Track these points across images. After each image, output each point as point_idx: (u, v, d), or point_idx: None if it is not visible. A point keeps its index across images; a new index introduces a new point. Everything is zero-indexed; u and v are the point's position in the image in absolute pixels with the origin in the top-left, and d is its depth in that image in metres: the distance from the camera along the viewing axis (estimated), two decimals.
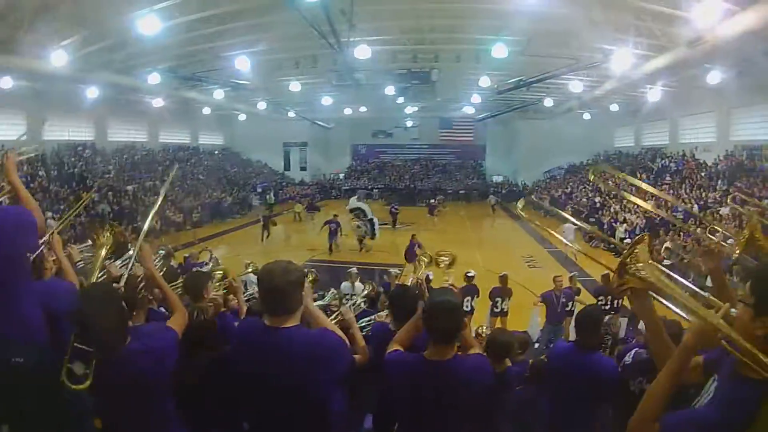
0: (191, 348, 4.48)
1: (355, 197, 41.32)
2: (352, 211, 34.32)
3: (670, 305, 3.15)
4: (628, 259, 3.19)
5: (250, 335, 4.22)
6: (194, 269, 12.31)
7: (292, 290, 3.97)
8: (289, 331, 3.98)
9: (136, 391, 3.89)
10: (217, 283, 7.66)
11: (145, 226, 5.22)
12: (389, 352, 4.44)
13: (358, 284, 16.01)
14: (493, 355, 6.11)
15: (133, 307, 4.63)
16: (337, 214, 32.53)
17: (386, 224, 39.52)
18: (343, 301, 12.84)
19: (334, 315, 5.91)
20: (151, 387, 3.97)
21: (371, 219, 33.27)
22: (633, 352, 6.25)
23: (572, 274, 18.76)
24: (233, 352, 4.35)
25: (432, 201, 48.83)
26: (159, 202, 5.99)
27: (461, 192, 62.77)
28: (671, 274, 3.24)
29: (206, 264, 17.29)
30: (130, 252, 5.28)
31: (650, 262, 3.17)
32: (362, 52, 27.73)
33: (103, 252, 5.20)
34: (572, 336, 7.75)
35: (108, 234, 5.31)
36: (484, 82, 36.45)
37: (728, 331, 2.62)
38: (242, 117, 58.10)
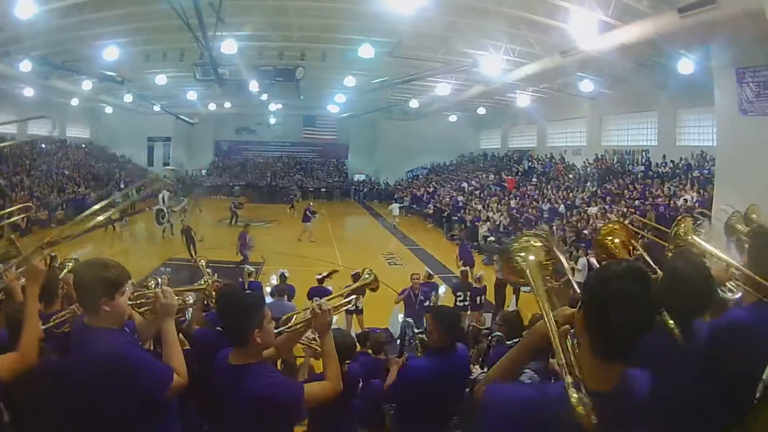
0: None
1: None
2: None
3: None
4: (515, 248, 3.34)
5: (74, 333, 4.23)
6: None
7: (93, 287, 3.90)
8: (90, 331, 3.95)
9: None
10: None
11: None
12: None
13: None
14: None
15: None
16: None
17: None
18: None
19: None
20: None
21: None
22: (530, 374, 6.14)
23: (427, 270, 19.06)
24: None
25: (292, 196, 50.52)
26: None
27: (323, 190, 62.69)
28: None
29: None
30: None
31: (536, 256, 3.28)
32: (229, 46, 27.68)
33: None
34: None
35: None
36: (350, 81, 36.94)
37: (555, 341, 2.71)
38: (109, 110, 57.07)
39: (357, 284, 5.82)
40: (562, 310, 2.86)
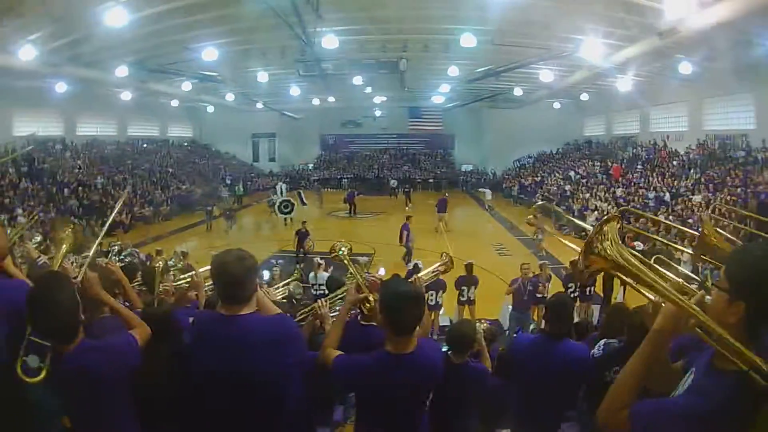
0: (151, 342, 4.35)
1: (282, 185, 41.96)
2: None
3: (641, 289, 3.03)
4: (595, 239, 3.06)
5: (208, 326, 4.21)
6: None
7: (247, 278, 3.98)
8: (246, 318, 3.98)
9: (88, 387, 3.83)
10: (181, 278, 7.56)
11: (93, 248, 5.15)
12: (336, 358, 4.35)
13: (321, 274, 15.90)
14: (452, 347, 6.09)
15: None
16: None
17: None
18: (312, 291, 12.70)
19: (308, 309, 5.81)
20: (104, 385, 3.89)
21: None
22: (602, 343, 5.99)
23: (542, 261, 18.60)
24: (193, 345, 4.26)
25: (406, 189, 49.26)
26: (117, 209, 5.98)
27: (430, 181, 62.31)
28: (641, 257, 3.16)
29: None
30: (89, 254, 5.15)
31: (618, 241, 3.05)
32: (329, 41, 27.79)
33: (63, 249, 5.09)
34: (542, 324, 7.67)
35: (68, 232, 5.20)
36: (453, 71, 36.62)
37: (703, 317, 2.53)
38: (210, 109, 58.28)
39: (430, 269, 6.21)
40: (692, 300, 2.69)
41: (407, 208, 42.53)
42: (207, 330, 4.17)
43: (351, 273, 5.99)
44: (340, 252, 6.31)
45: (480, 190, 52.50)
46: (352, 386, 4.57)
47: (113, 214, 5.27)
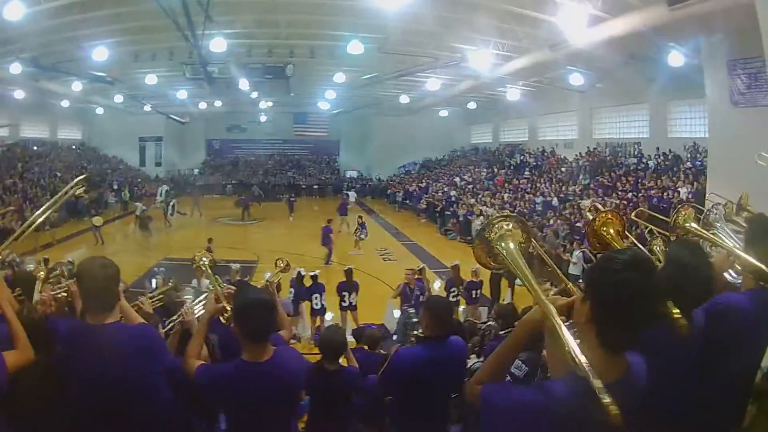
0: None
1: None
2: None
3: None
4: (488, 230, 3.30)
5: (75, 335, 4.23)
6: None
7: (112, 286, 4.09)
8: (110, 328, 4.05)
9: None
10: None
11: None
12: (197, 368, 4.36)
13: (204, 281, 15.83)
14: (324, 354, 6.32)
15: None
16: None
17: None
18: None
19: (176, 316, 5.76)
20: None
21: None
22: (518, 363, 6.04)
23: (421, 266, 18.62)
24: (63, 354, 4.24)
25: (291, 198, 48.34)
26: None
27: (315, 187, 62.77)
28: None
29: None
30: None
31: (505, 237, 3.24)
32: (218, 44, 27.69)
33: None
34: None
35: None
36: (339, 77, 36.99)
37: (552, 322, 2.67)
38: (100, 111, 56.96)
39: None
40: (554, 300, 2.86)
41: (290, 218, 42.63)
42: (74, 339, 4.20)
43: (210, 283, 6.01)
44: (201, 262, 6.37)
45: (345, 192, 54.59)
46: (212, 396, 4.57)
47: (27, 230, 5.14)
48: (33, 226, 5.38)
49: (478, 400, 2.78)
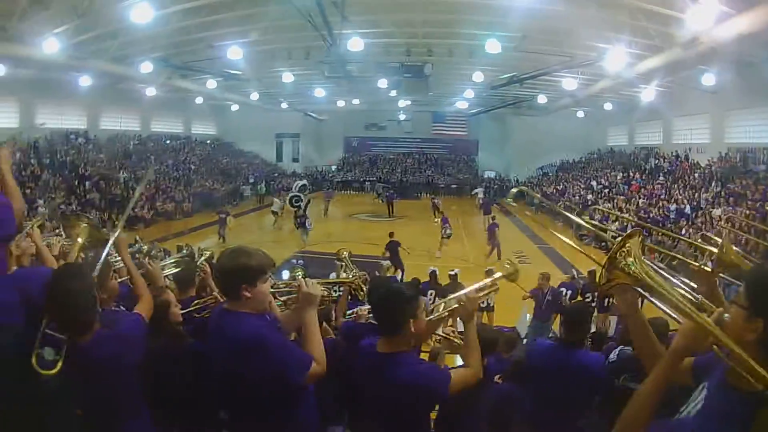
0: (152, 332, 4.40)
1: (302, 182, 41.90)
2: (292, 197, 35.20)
3: (661, 305, 3.07)
4: (618, 254, 3.04)
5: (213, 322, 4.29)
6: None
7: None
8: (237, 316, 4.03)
9: (105, 376, 3.87)
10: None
11: (122, 222, 5.16)
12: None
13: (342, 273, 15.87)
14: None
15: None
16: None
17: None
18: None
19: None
20: (120, 373, 3.94)
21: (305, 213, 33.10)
22: (618, 350, 6.11)
23: (544, 272, 18.18)
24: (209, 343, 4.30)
25: (434, 199, 47.08)
26: (135, 198, 5.96)
27: (453, 186, 61.99)
28: (663, 272, 3.18)
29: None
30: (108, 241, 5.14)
31: (641, 257, 3.05)
32: (355, 44, 27.78)
33: (79, 242, 5.10)
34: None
35: (83, 225, 5.19)
36: (478, 77, 36.42)
37: (720, 335, 2.51)
38: (235, 107, 58.01)
39: (499, 275, 5.49)
40: (711, 317, 2.66)
41: (435, 220, 40.98)
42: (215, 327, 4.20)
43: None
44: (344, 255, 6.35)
45: (474, 191, 54.28)
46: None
47: (130, 206, 5.24)
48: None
49: None
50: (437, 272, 16.94)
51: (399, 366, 4.00)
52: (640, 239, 3.12)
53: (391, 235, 25.47)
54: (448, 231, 29.69)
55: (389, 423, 4.25)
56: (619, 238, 3.11)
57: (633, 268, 3.02)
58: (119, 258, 5.09)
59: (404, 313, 4.00)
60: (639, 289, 3.06)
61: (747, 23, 19.29)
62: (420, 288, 15.69)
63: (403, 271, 23.25)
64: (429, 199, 47.35)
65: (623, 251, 3.04)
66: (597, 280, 3.29)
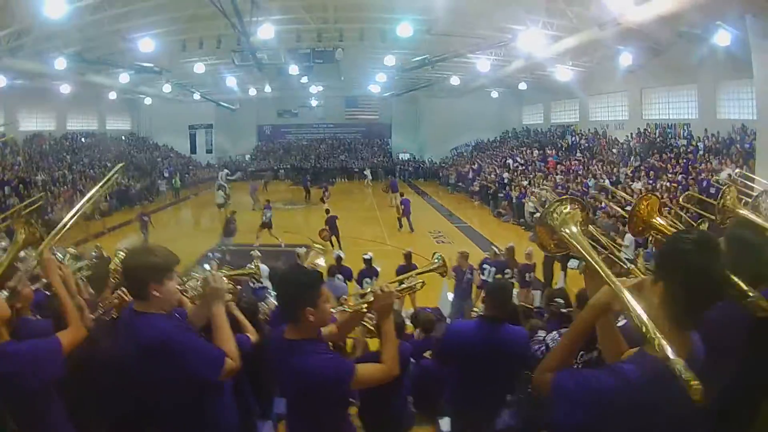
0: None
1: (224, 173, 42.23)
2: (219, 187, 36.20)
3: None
4: (548, 214, 3.40)
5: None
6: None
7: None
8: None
9: (12, 393, 3.87)
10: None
11: (48, 239, 5.07)
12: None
13: (262, 266, 15.79)
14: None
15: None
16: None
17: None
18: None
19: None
20: (25, 392, 3.91)
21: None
22: (555, 334, 6.08)
23: (463, 251, 18.02)
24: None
25: (325, 191, 45.27)
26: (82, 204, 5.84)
27: (366, 171, 60.80)
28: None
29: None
30: (33, 255, 5.08)
31: (568, 219, 3.33)
32: (266, 31, 27.79)
33: (17, 248, 5.06)
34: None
35: (29, 229, 5.14)
36: (390, 60, 36.83)
37: (625, 298, 2.72)
38: (148, 101, 57.40)
39: (425, 269, 5.58)
40: (623, 282, 2.88)
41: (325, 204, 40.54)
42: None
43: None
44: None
45: (364, 172, 55.97)
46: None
47: (67, 219, 5.09)
48: (74, 218, 5.30)
49: (550, 388, 2.81)
50: (372, 258, 16.82)
51: (301, 354, 4.04)
52: (578, 207, 3.39)
53: (327, 211, 26.50)
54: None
55: (295, 408, 4.44)
56: (555, 201, 3.41)
57: (565, 231, 3.31)
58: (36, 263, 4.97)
59: (298, 301, 4.02)
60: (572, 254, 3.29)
61: (664, 4, 19.74)
62: (360, 275, 16.09)
63: (340, 245, 24.02)
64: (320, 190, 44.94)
65: (554, 212, 3.39)
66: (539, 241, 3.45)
